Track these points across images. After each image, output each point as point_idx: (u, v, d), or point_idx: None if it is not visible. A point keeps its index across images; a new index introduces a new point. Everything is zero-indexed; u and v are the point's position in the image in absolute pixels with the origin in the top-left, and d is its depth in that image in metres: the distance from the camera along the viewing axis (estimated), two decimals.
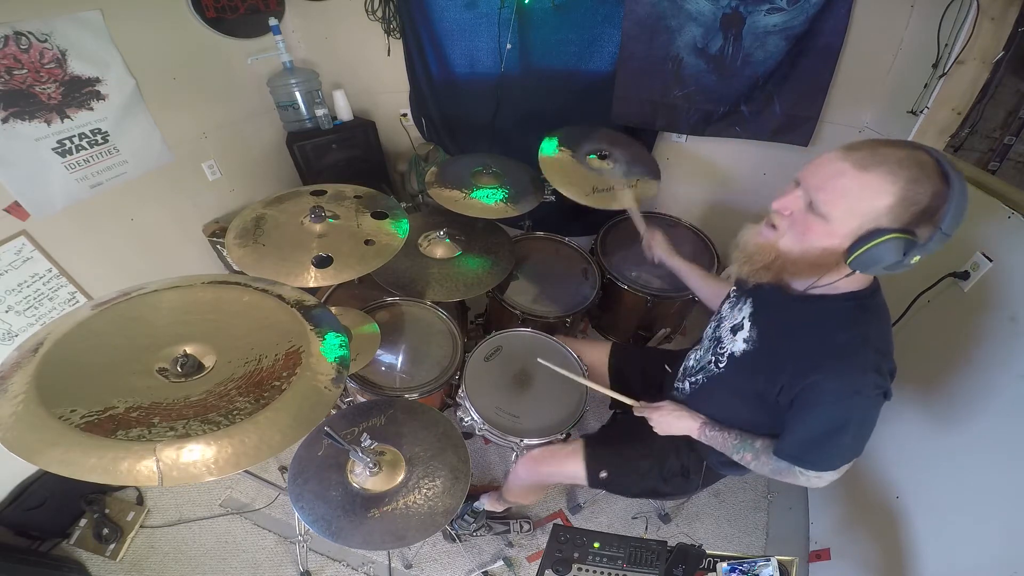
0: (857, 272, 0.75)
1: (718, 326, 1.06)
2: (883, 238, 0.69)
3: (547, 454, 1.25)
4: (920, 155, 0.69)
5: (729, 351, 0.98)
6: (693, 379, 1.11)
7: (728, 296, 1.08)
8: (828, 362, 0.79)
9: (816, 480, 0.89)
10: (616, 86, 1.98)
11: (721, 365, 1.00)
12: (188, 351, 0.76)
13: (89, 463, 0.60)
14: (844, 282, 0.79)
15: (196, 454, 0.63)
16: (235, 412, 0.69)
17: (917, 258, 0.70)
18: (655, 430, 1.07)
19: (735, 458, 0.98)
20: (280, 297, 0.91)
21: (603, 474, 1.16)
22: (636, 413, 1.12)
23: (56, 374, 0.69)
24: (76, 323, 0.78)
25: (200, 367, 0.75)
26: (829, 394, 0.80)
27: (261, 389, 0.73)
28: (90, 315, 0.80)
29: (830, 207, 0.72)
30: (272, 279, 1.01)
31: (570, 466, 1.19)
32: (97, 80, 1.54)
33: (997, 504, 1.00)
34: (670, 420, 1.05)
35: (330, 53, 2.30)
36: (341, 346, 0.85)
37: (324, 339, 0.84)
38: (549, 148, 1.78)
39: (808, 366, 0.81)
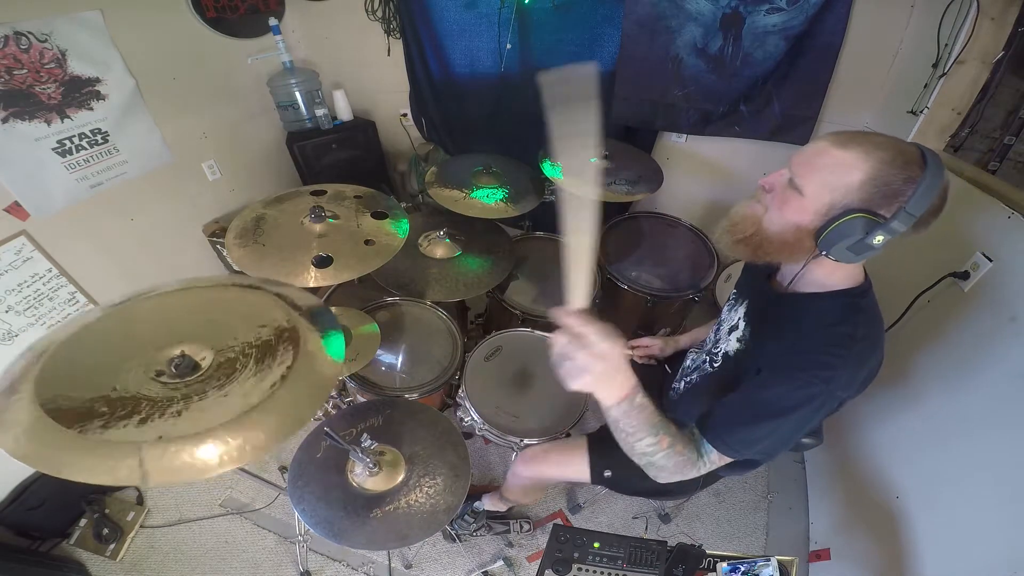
0: (824, 256, 0.74)
1: (718, 329, 1.06)
2: (849, 216, 0.70)
3: (549, 453, 1.25)
4: (904, 145, 0.70)
5: (723, 350, 0.99)
6: (688, 379, 1.11)
7: (728, 299, 1.08)
8: (802, 357, 0.77)
9: (706, 465, 0.81)
10: (616, 86, 1.98)
11: (716, 364, 1.00)
12: (185, 351, 0.76)
13: (83, 464, 0.61)
14: (833, 278, 0.79)
15: (191, 453, 0.63)
16: (230, 409, 0.69)
17: (880, 238, 0.69)
18: (561, 376, 0.70)
19: (648, 441, 0.77)
20: (281, 296, 0.91)
21: (607, 473, 1.16)
22: (557, 333, 0.69)
23: (55, 379, 0.69)
24: (81, 326, 0.78)
25: (196, 367, 0.75)
26: (777, 375, 0.78)
27: (258, 385, 0.73)
28: (96, 318, 0.80)
29: (805, 180, 0.74)
30: (274, 279, 1.01)
31: (573, 465, 1.19)
32: (97, 80, 1.54)
33: (997, 504, 1.00)
34: (595, 366, 0.68)
35: (330, 53, 2.30)
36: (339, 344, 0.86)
37: (324, 337, 0.85)
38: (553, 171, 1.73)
39: (785, 361, 0.79)
